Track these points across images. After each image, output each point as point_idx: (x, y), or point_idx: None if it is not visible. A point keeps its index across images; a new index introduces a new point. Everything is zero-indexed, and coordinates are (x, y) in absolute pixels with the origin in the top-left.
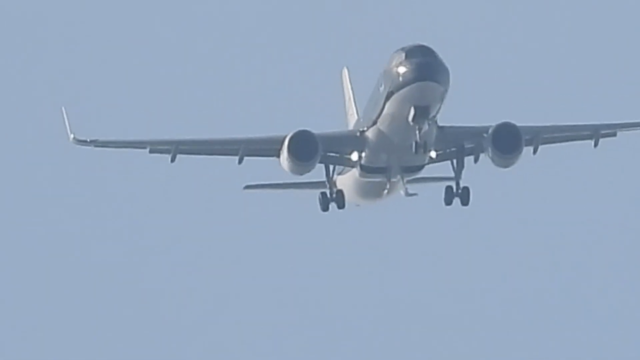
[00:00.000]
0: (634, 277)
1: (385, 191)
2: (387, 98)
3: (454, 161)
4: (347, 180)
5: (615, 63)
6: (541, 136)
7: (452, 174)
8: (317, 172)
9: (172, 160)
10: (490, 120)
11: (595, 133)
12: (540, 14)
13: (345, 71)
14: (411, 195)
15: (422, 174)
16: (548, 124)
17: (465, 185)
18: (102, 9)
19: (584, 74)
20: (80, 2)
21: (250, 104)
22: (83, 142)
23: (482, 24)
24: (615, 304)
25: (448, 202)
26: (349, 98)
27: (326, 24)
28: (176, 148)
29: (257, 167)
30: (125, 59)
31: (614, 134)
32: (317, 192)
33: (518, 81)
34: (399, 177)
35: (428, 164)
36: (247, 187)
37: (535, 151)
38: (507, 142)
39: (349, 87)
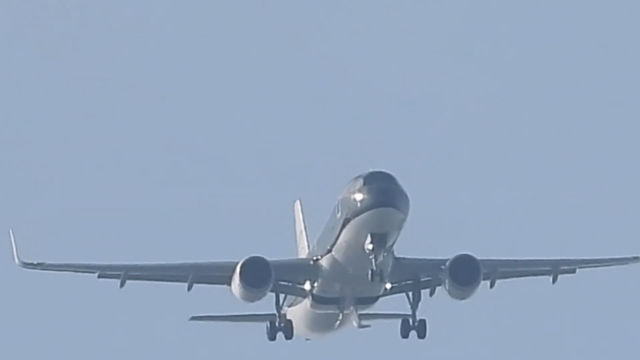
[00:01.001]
0: None
1: (337, 323)
2: (344, 225)
3: (410, 294)
4: (297, 312)
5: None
6: (499, 270)
7: (405, 311)
8: (266, 304)
9: (122, 285)
10: (446, 253)
11: (554, 269)
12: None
13: (298, 204)
14: (364, 327)
15: (376, 309)
16: (506, 258)
17: (422, 318)
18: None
19: (543, 208)
20: None
21: (199, 233)
22: (30, 265)
23: (445, 152)
24: None
25: (404, 335)
26: (301, 231)
27: (281, 154)
28: (125, 273)
29: (206, 296)
30: (75, 181)
31: (573, 271)
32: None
33: (476, 214)
34: (352, 308)
35: (382, 295)
36: (194, 318)
37: (492, 285)
38: (464, 273)
39: (301, 219)
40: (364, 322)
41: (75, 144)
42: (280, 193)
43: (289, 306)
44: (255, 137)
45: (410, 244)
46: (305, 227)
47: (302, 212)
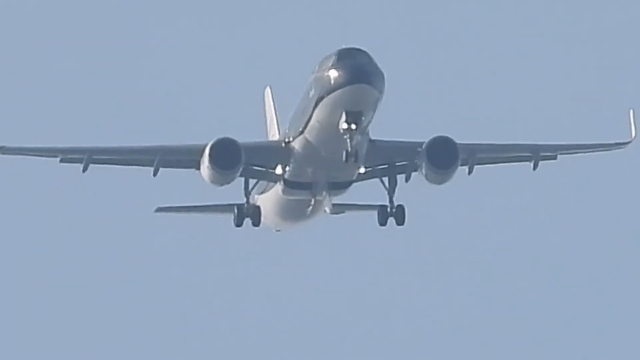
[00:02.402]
0: (566, 295)
1: (309, 210)
2: (317, 104)
3: (386, 179)
4: (268, 199)
5: (559, 82)
6: (477, 155)
7: (377, 202)
8: (236, 194)
9: (84, 170)
10: (422, 136)
11: (534, 154)
12: (484, 23)
13: (268, 90)
14: (337, 213)
15: (350, 199)
16: (485, 142)
17: (400, 203)
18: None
19: (525, 91)
20: None
21: (168, 117)
22: None
23: (419, 32)
24: (541, 321)
25: (382, 222)
26: (271, 118)
27: (250, 40)
28: (89, 157)
29: (173, 183)
30: (37, 62)
31: (555, 157)
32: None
33: (453, 96)
34: (324, 194)
35: (356, 180)
36: (160, 209)
37: (470, 171)
38: (442, 155)
39: (272, 106)
40: (337, 209)
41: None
42: (249, 79)
43: (259, 193)
44: (225, 22)
45: (384, 126)
46: (276, 114)
47: (273, 99)
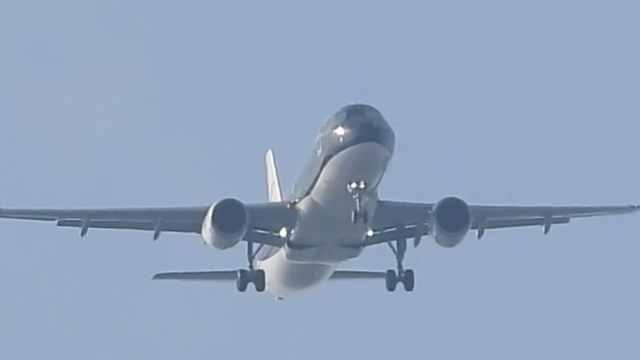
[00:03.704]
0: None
1: (314, 277)
2: (325, 163)
3: (395, 243)
4: (271, 265)
5: (573, 144)
6: (488, 218)
7: (384, 270)
8: (237, 261)
9: (83, 233)
10: (431, 199)
11: (546, 217)
12: (496, 81)
13: (270, 154)
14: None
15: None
16: (495, 205)
17: (409, 268)
18: None
19: (537, 153)
20: None
21: (167, 182)
22: None
23: (428, 89)
24: None
25: (390, 287)
26: (273, 183)
27: (252, 103)
28: (88, 219)
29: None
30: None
31: (567, 220)
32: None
33: (462, 158)
34: (330, 260)
35: (364, 244)
36: (158, 276)
37: (480, 235)
38: (452, 217)
39: (274, 170)
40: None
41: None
42: (252, 142)
43: (262, 259)
44: (228, 83)
45: (394, 188)
46: (278, 179)
47: (275, 163)
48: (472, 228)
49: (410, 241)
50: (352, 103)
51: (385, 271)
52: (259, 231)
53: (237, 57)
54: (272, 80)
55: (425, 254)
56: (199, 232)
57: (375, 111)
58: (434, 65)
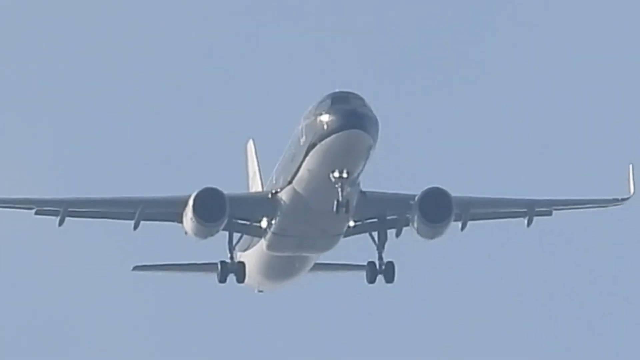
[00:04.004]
0: (560, 352)
1: (294, 268)
2: (308, 151)
3: (376, 234)
4: (251, 257)
5: (557, 136)
6: (471, 209)
7: (363, 261)
8: (217, 252)
9: (61, 223)
10: (414, 189)
11: (529, 210)
12: (481, 72)
13: (251, 143)
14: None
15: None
16: (478, 196)
17: (389, 260)
18: None
19: (521, 144)
20: None
21: (149, 170)
22: None
23: (412, 79)
24: None
25: (371, 280)
26: (254, 172)
27: (233, 92)
28: (66, 208)
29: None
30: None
31: (550, 213)
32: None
33: (446, 149)
34: (311, 252)
35: (345, 236)
36: (137, 267)
37: (463, 227)
38: (435, 209)
39: (255, 160)
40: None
41: None
42: (232, 132)
43: (243, 251)
44: (208, 72)
45: (375, 178)
46: (259, 168)
47: (256, 153)
48: (454, 220)
49: (391, 232)
50: (336, 90)
51: (365, 263)
52: (239, 221)
53: (216, 45)
54: (252, 69)
55: (406, 245)
56: (180, 221)
57: (360, 98)
58: (417, 54)
